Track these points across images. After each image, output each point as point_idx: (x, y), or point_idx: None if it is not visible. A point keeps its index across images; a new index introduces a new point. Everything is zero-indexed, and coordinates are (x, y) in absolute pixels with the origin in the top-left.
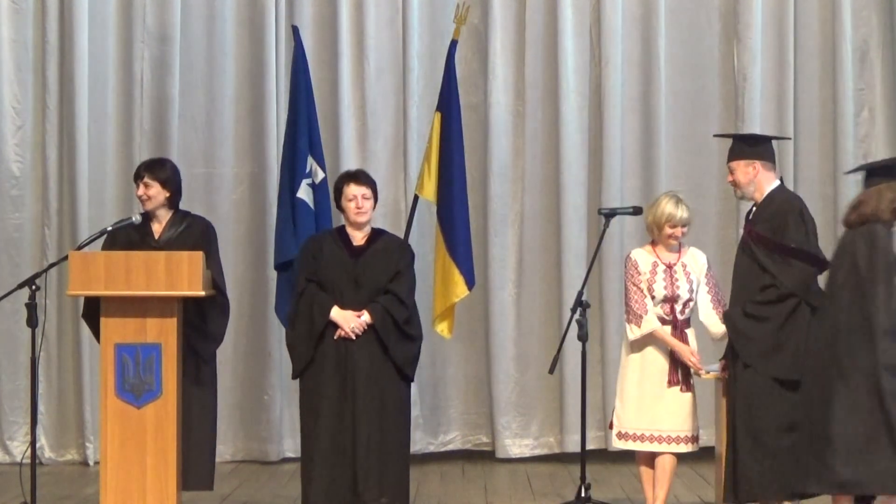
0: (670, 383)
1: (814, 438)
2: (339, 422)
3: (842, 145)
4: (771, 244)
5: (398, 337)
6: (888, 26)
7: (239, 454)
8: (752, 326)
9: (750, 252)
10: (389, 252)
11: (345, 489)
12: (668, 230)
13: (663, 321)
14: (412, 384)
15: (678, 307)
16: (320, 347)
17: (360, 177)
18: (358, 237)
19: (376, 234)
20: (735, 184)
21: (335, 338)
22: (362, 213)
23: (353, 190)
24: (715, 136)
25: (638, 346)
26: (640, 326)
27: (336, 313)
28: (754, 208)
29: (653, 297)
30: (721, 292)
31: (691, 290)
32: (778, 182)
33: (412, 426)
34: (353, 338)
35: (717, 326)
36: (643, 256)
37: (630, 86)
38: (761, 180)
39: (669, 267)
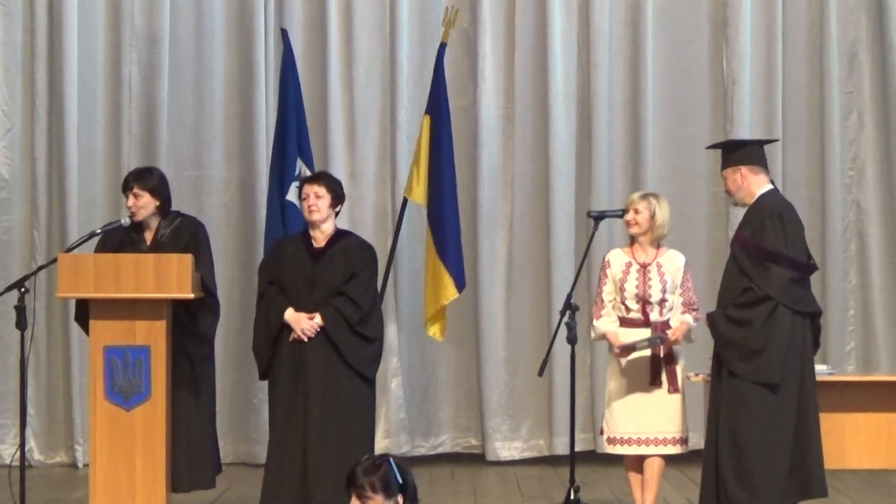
0: (653, 385)
1: (798, 444)
2: (291, 423)
3: (830, 149)
4: (750, 248)
5: (352, 338)
6: (877, 30)
7: (229, 456)
8: (733, 330)
9: (735, 257)
10: (348, 253)
11: (293, 491)
12: (627, 217)
13: (638, 323)
14: (399, 388)
15: (652, 308)
16: (277, 350)
17: (316, 176)
18: (319, 238)
19: (340, 236)
20: (728, 192)
21: (290, 340)
22: (315, 211)
23: (305, 189)
24: (708, 147)
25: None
26: (596, 330)
27: (289, 315)
28: (745, 214)
29: (624, 296)
30: (695, 296)
31: (664, 291)
32: (770, 186)
33: (398, 429)
34: (305, 339)
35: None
36: (617, 256)
37: (618, 89)
38: (750, 185)
39: (644, 267)
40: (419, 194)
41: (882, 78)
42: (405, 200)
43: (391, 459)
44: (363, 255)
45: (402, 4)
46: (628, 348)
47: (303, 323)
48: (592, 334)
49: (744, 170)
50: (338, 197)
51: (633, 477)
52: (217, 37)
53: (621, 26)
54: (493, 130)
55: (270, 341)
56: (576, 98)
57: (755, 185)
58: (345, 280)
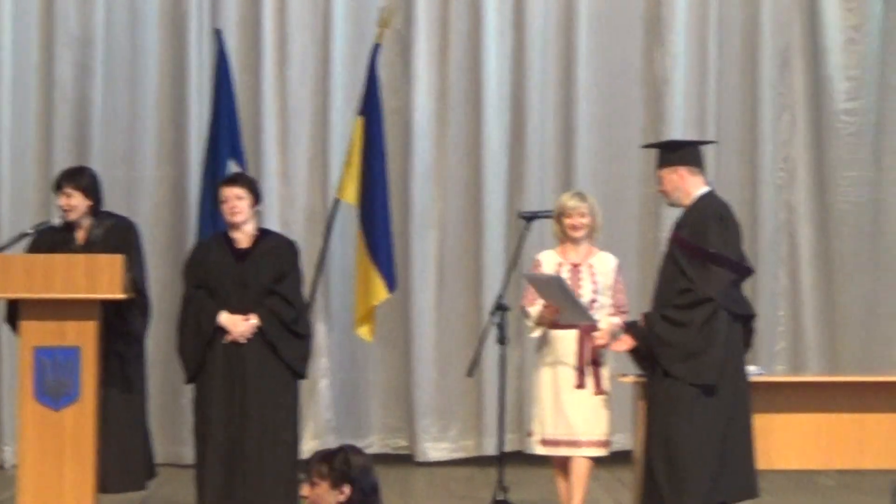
0: (578, 386)
1: (730, 445)
2: (230, 426)
3: (761, 149)
4: (690, 249)
5: (287, 337)
6: (809, 32)
7: (158, 457)
8: (670, 331)
9: (673, 257)
10: (275, 252)
11: (236, 493)
12: (566, 222)
13: (568, 324)
14: (327, 388)
15: None
16: (209, 353)
17: (235, 178)
18: (242, 240)
19: (262, 235)
20: (663, 192)
21: (224, 342)
22: (236, 214)
23: (224, 192)
24: (642, 146)
25: (549, 350)
26: (530, 317)
27: (224, 318)
28: (682, 214)
29: None
30: (625, 299)
31: (595, 292)
32: (707, 188)
33: (326, 430)
34: (243, 342)
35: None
36: (549, 257)
37: (551, 90)
38: (687, 186)
39: (575, 267)
40: (351, 194)
41: (814, 79)
42: (337, 201)
43: (347, 450)
44: (290, 253)
45: (336, 5)
46: (563, 306)
47: (240, 325)
48: (528, 323)
49: (682, 170)
50: (257, 197)
51: (561, 478)
52: (150, 37)
53: (554, 27)
54: (426, 131)
55: (202, 345)
56: (508, 99)
57: (692, 186)
58: (274, 279)
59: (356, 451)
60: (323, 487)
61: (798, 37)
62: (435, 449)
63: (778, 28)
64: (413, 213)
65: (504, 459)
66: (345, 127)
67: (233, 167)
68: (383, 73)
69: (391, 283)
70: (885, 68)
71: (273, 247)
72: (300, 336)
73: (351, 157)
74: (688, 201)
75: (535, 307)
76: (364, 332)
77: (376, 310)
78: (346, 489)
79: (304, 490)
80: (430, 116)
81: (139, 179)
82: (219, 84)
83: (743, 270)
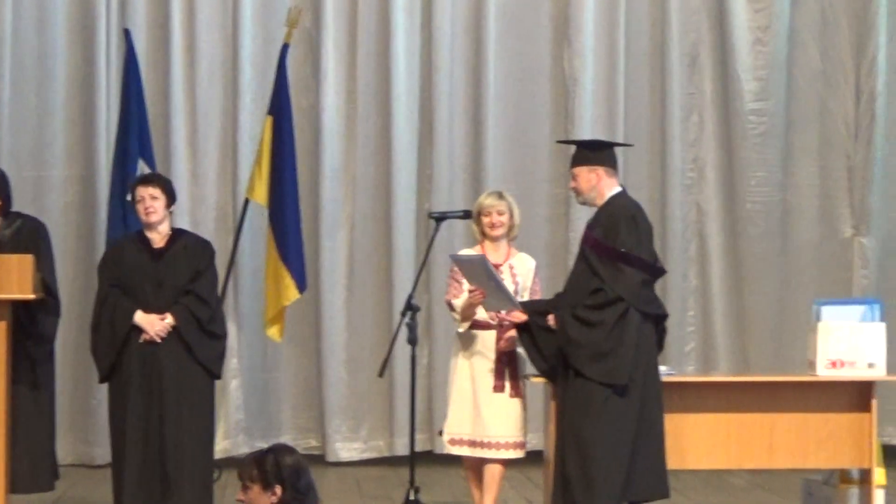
0: (496, 389)
1: (641, 445)
2: (146, 426)
3: (670, 150)
4: (602, 249)
5: (202, 336)
6: (717, 31)
7: (68, 457)
8: (582, 331)
9: (585, 257)
10: (190, 252)
11: (155, 493)
12: (484, 220)
13: (488, 325)
14: (238, 388)
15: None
16: (125, 352)
17: (150, 178)
18: (157, 239)
19: (177, 235)
20: (577, 190)
21: (140, 341)
22: (151, 213)
23: (139, 191)
24: (559, 142)
25: (467, 349)
26: (455, 310)
27: (140, 317)
28: (594, 215)
29: None
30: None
31: (515, 293)
32: (619, 188)
33: (237, 430)
34: (159, 341)
35: None
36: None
37: (460, 90)
38: (603, 187)
39: (496, 267)
40: (261, 195)
41: (722, 79)
42: (247, 201)
43: (276, 451)
44: (205, 253)
45: (244, 5)
46: (488, 289)
47: (156, 324)
48: (455, 316)
49: (601, 170)
50: (172, 197)
51: (472, 478)
52: (59, 36)
53: (463, 27)
54: (335, 131)
55: (117, 344)
56: (418, 98)
57: (607, 186)
58: (190, 279)
59: (287, 450)
60: (255, 490)
61: (706, 37)
62: (346, 449)
63: (686, 28)
64: (322, 213)
65: (415, 459)
66: (254, 127)
67: (142, 167)
68: (292, 73)
69: (301, 284)
70: (793, 69)
71: (188, 246)
72: (215, 336)
73: (260, 157)
74: (600, 202)
75: (460, 300)
76: (274, 332)
77: (286, 310)
78: (278, 490)
79: (239, 495)
80: (339, 116)
81: (48, 179)
82: (128, 84)
83: (655, 271)
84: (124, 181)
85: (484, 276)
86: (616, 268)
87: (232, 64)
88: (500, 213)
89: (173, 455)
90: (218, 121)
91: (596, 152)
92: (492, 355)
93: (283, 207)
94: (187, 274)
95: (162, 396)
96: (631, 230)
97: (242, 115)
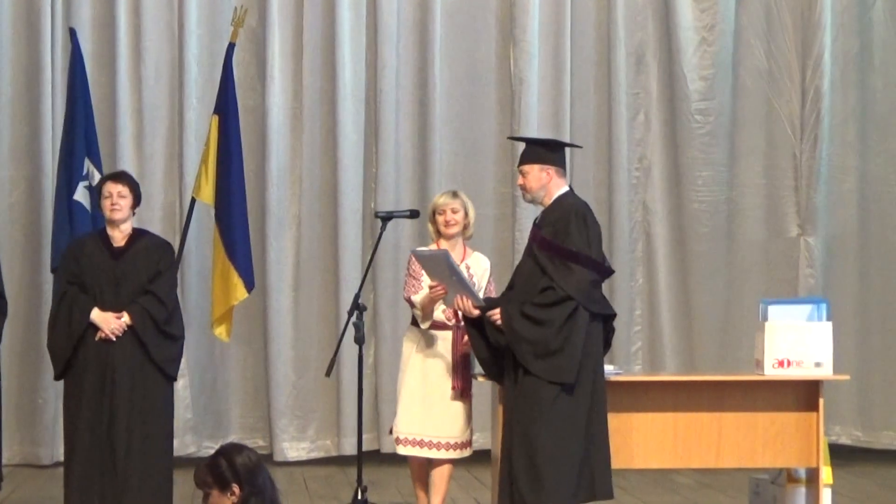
0: (454, 390)
1: (587, 445)
2: (98, 424)
3: (617, 149)
4: (552, 248)
5: (158, 337)
6: (663, 31)
7: (14, 458)
8: (529, 328)
9: (534, 256)
10: (150, 252)
11: (105, 493)
12: (439, 219)
13: (445, 326)
14: (186, 388)
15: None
16: (80, 349)
17: (119, 176)
18: (118, 238)
19: (138, 235)
20: (525, 188)
21: (96, 339)
22: (116, 210)
23: (108, 188)
24: (510, 138)
25: (421, 348)
26: (416, 306)
27: (96, 315)
28: (542, 213)
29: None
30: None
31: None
32: (567, 188)
33: (184, 429)
34: (114, 339)
35: None
36: None
37: (406, 89)
38: (552, 186)
39: None
40: (207, 194)
41: (668, 79)
42: (193, 200)
43: (225, 451)
44: (166, 253)
45: (190, 4)
46: (449, 284)
47: (112, 322)
48: (416, 312)
49: (552, 170)
50: (137, 198)
51: (419, 478)
52: (3, 35)
53: (409, 26)
54: (281, 130)
55: (73, 341)
56: (364, 98)
57: (556, 186)
58: (149, 279)
59: (237, 449)
60: (215, 495)
61: (652, 37)
62: (293, 448)
63: (632, 28)
64: (269, 213)
65: (363, 458)
66: (200, 126)
67: (88, 166)
68: (238, 72)
69: (249, 283)
70: (738, 68)
71: (149, 247)
72: (172, 337)
73: (206, 157)
74: (548, 201)
75: (419, 296)
76: (221, 331)
77: (233, 309)
78: (236, 489)
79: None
80: (286, 115)
81: None
82: (73, 83)
83: (605, 271)
84: (70, 181)
85: (446, 271)
86: (566, 267)
87: (178, 63)
88: (455, 212)
89: (124, 456)
90: (164, 120)
91: (549, 151)
92: (447, 356)
93: (230, 207)
94: (146, 274)
95: (114, 395)
96: (581, 230)
97: (188, 114)
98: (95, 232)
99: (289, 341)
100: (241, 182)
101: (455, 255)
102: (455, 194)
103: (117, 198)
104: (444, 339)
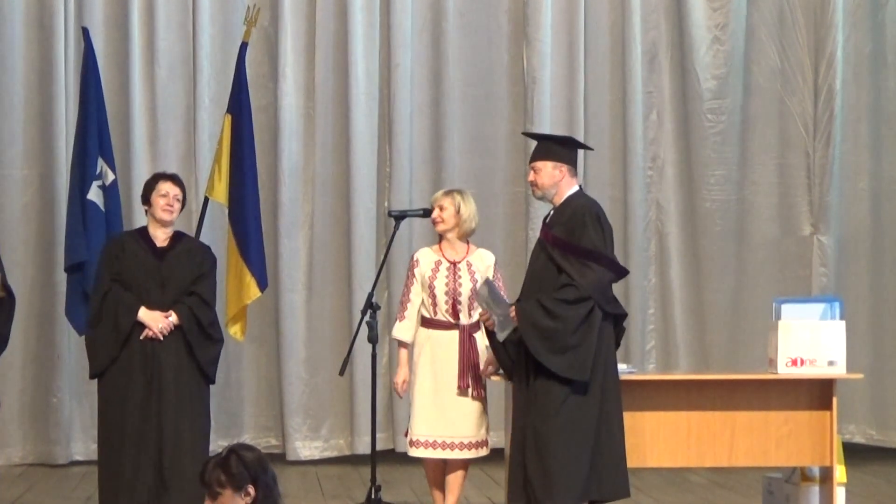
0: (460, 389)
1: (600, 444)
2: (145, 422)
3: (631, 148)
4: (568, 247)
5: (203, 338)
6: (676, 29)
7: (28, 457)
8: (547, 322)
9: (547, 254)
10: (194, 254)
11: (150, 492)
12: (433, 216)
13: (446, 325)
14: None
15: (462, 308)
16: (125, 348)
17: (176, 178)
18: (160, 238)
19: (178, 237)
20: (536, 184)
21: (141, 338)
22: (170, 212)
23: (165, 187)
24: (525, 134)
25: (429, 351)
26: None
27: (144, 314)
28: (552, 212)
29: (433, 295)
30: (506, 296)
31: (473, 290)
32: (577, 187)
33: None
34: (161, 338)
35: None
36: (427, 255)
37: (419, 88)
38: (563, 185)
39: (454, 265)
40: (220, 193)
41: (681, 77)
42: (206, 199)
43: (237, 451)
44: (208, 257)
45: (203, 4)
46: (495, 313)
47: (160, 322)
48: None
49: (565, 168)
50: (185, 204)
51: (434, 478)
52: (16, 34)
53: (422, 25)
54: (294, 129)
55: (121, 339)
56: (377, 97)
57: (567, 185)
58: (193, 280)
59: (245, 448)
60: (226, 495)
61: (664, 36)
62: (306, 448)
63: (645, 25)
64: (282, 212)
65: (376, 457)
66: (213, 125)
67: (101, 166)
68: (251, 71)
69: (263, 282)
70: (751, 67)
71: (192, 249)
72: (213, 340)
73: (219, 156)
74: (559, 200)
75: (400, 329)
76: (236, 331)
77: (247, 308)
78: (251, 489)
79: (207, 502)
80: (298, 115)
81: (6, 179)
82: (86, 83)
83: (621, 271)
84: (83, 181)
85: (490, 298)
86: (584, 265)
87: (191, 62)
88: (443, 209)
89: (171, 454)
90: (177, 119)
91: (564, 149)
92: (454, 356)
93: (243, 206)
94: (190, 275)
95: (161, 395)
96: (597, 229)
97: (201, 113)
98: (134, 231)
99: (302, 340)
100: (255, 181)
101: (456, 254)
102: (449, 192)
103: (173, 200)
104: (451, 339)
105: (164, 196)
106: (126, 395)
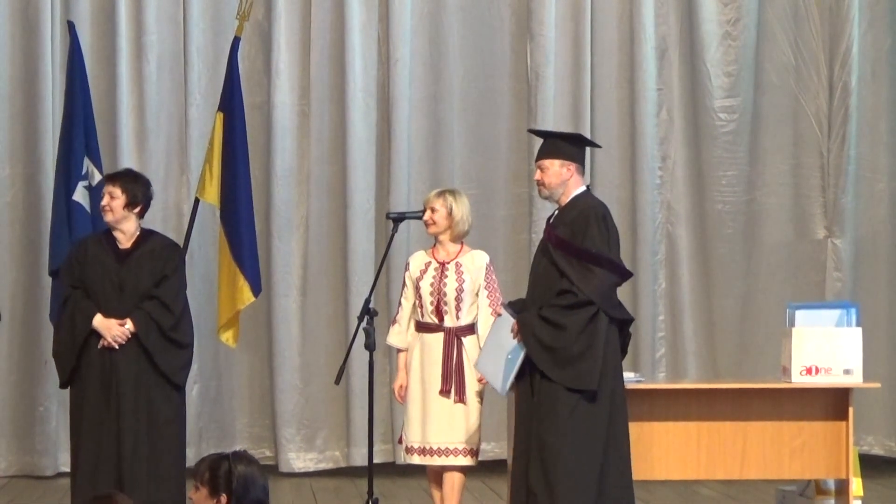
0: (442, 392)
1: (607, 455)
2: (103, 434)
3: (641, 147)
4: (571, 249)
5: (164, 344)
6: (687, 24)
7: (12, 468)
8: (549, 333)
9: (549, 256)
10: (156, 255)
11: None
12: (424, 218)
13: (432, 327)
14: (195, 396)
15: (447, 310)
16: (84, 357)
17: (113, 175)
18: (123, 239)
19: (145, 236)
20: (543, 183)
21: (99, 347)
22: (107, 212)
23: (106, 188)
24: (530, 131)
25: (417, 355)
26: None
27: (98, 321)
28: (557, 212)
29: (420, 297)
30: (501, 297)
31: (461, 290)
32: (584, 187)
33: (195, 439)
34: (116, 347)
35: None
36: (418, 258)
37: (419, 85)
38: (571, 184)
39: (442, 265)
40: (212, 194)
41: (690, 75)
42: (197, 201)
43: (234, 459)
44: (172, 256)
45: None
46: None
47: (114, 330)
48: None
49: (573, 167)
50: (134, 197)
51: (435, 489)
52: (1, 29)
53: (422, 19)
54: (288, 128)
55: (76, 348)
56: (375, 94)
57: (575, 185)
58: (154, 283)
59: (244, 459)
60: (202, 493)
61: (674, 30)
62: (300, 459)
63: (655, 21)
64: (275, 214)
65: (374, 470)
66: (204, 123)
67: (88, 165)
68: (244, 67)
69: (256, 287)
70: (763, 64)
71: (155, 249)
72: (179, 344)
73: (211, 156)
74: (565, 199)
75: (392, 335)
76: (228, 337)
77: (239, 314)
78: (223, 499)
79: (191, 492)
80: (293, 113)
81: None
82: (72, 79)
83: (625, 273)
84: (69, 181)
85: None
86: (586, 269)
87: (181, 58)
88: (434, 211)
89: (130, 468)
90: (167, 117)
91: (572, 147)
92: (440, 359)
93: (236, 207)
94: (151, 278)
95: (119, 406)
96: (602, 231)
97: (192, 111)
98: (101, 233)
99: (296, 347)
100: (248, 182)
101: (448, 255)
102: (442, 193)
103: (108, 199)
104: (437, 341)
105: (104, 198)
106: (85, 407)
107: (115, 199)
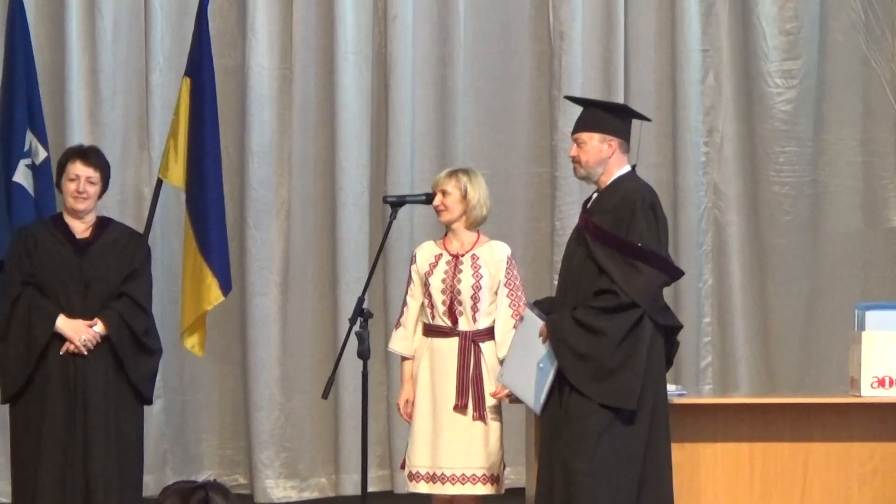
0: (457, 408)
1: (645, 479)
2: (67, 455)
3: (683, 118)
4: (614, 241)
5: (136, 351)
6: None
7: None
8: (584, 340)
9: (586, 247)
10: (122, 246)
11: None
12: (434, 203)
13: (445, 330)
14: (157, 413)
15: (462, 310)
16: (42, 366)
17: (90, 155)
18: (80, 228)
19: (102, 224)
20: (580, 161)
21: (61, 353)
22: (81, 200)
23: (75, 169)
24: (567, 97)
25: (426, 365)
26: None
27: (63, 323)
28: (595, 195)
29: (430, 295)
30: (523, 295)
31: (478, 287)
32: (629, 168)
33: (158, 464)
34: (85, 353)
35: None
36: (426, 249)
37: (423, 47)
38: (613, 163)
39: (456, 258)
40: (176, 175)
41: (743, 34)
42: (159, 182)
43: (210, 491)
44: (140, 248)
45: None
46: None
47: (83, 332)
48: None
49: (616, 143)
50: (107, 183)
51: None
52: None
53: None
54: (267, 96)
55: (33, 356)
56: (370, 58)
57: (617, 163)
58: (122, 279)
59: (221, 492)
60: None
61: None
62: (279, 487)
63: None
64: (251, 198)
65: (367, 500)
66: (168, 90)
67: (31, 140)
68: (215, 25)
69: (226, 284)
70: (828, 21)
71: (118, 240)
72: (149, 351)
73: (176, 129)
74: (606, 180)
75: (396, 340)
76: (193, 343)
77: (206, 316)
78: None
79: None
80: (272, 77)
81: None
82: (12, 41)
83: (675, 272)
84: (8, 159)
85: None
86: (631, 266)
87: (142, 14)
88: (446, 195)
89: (102, 489)
90: (124, 84)
91: (616, 119)
92: (454, 369)
93: (204, 190)
94: (119, 272)
95: (87, 422)
96: (650, 220)
97: (154, 76)
98: (48, 219)
99: (275, 356)
100: (218, 160)
101: (462, 246)
102: (453, 173)
103: (85, 184)
104: (451, 347)
105: (74, 181)
106: (43, 425)
107: (93, 185)
